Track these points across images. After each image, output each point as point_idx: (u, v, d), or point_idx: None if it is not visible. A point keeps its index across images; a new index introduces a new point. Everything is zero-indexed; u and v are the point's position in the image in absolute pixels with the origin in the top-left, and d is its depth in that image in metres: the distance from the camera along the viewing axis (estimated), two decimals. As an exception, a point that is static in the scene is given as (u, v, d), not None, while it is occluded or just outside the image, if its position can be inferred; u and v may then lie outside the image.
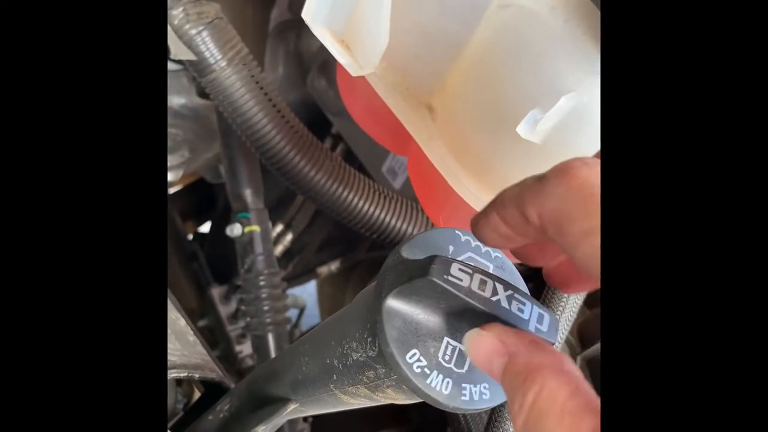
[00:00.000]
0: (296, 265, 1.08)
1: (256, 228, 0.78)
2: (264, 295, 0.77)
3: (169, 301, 0.56)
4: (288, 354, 0.42)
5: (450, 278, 0.26)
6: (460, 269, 0.27)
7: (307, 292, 1.46)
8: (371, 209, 0.69)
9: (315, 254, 1.09)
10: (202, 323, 1.13)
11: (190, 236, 1.41)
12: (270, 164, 0.66)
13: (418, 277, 0.27)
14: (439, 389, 0.28)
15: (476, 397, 0.28)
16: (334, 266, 1.05)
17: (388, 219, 0.67)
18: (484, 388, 0.28)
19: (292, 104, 0.95)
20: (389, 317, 0.28)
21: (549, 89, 0.37)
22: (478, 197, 0.41)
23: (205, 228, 1.44)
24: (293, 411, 0.42)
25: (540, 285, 0.45)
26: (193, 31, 0.59)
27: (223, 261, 1.17)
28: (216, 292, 1.11)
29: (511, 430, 0.47)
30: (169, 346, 0.49)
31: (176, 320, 0.54)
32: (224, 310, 1.09)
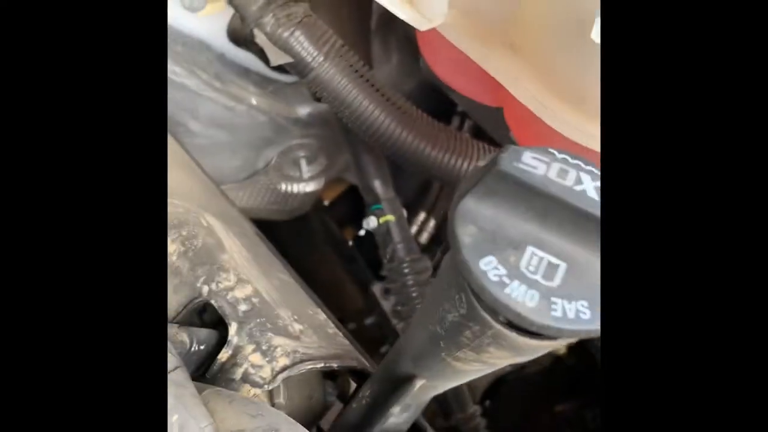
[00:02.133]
0: (445, 250, 1.07)
1: (390, 217, 0.78)
2: (410, 282, 0.77)
3: (308, 297, 0.58)
4: (405, 330, 0.41)
5: (521, 166, 0.23)
6: (533, 157, 0.23)
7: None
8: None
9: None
10: (369, 321, 1.16)
11: (350, 242, 1.47)
12: (386, 149, 0.65)
13: (487, 171, 0.23)
14: (522, 301, 0.24)
15: (571, 315, 0.24)
16: (483, 245, 1.02)
17: None
18: (583, 306, 0.24)
19: (412, 91, 0.94)
20: (461, 223, 0.24)
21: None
22: (578, 129, 0.36)
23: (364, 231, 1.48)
24: (423, 387, 0.40)
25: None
26: (286, 34, 0.60)
27: (380, 258, 1.19)
28: (377, 289, 1.13)
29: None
30: (306, 339, 0.50)
31: (314, 315, 0.55)
32: (387, 305, 1.11)
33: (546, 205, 0.23)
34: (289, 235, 1.12)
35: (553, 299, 0.24)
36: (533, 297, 0.24)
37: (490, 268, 0.24)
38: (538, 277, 0.24)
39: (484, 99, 0.48)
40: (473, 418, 0.75)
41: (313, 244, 1.28)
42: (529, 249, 0.24)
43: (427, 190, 1.06)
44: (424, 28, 0.38)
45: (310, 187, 1.06)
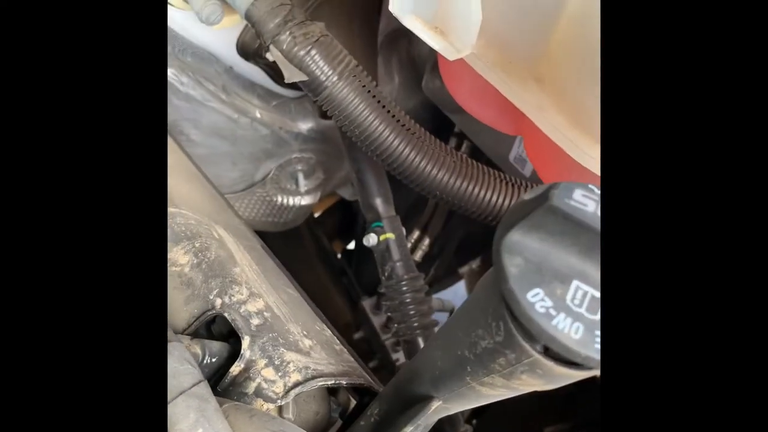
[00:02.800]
0: (438, 268, 1.08)
1: (390, 235, 0.78)
2: (408, 300, 0.77)
3: (314, 312, 0.58)
4: (424, 351, 0.42)
5: (572, 203, 0.24)
6: (584, 194, 0.24)
7: (459, 294, 1.45)
8: (502, 201, 0.66)
9: (455, 255, 1.08)
10: (358, 335, 1.16)
11: (339, 255, 1.47)
12: (392, 169, 0.66)
13: (538, 206, 0.24)
14: (568, 332, 0.25)
15: None
16: (475, 264, 1.03)
17: None
18: None
19: (413, 110, 0.96)
20: (509, 255, 0.25)
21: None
22: (600, 162, 0.37)
23: (353, 245, 1.49)
24: (438, 409, 0.41)
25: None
26: (302, 52, 0.61)
27: (371, 274, 1.20)
28: (367, 303, 1.14)
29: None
30: (315, 355, 0.50)
31: (321, 330, 0.56)
32: (377, 321, 1.12)
33: (592, 240, 0.24)
34: (279, 248, 1.13)
35: (597, 332, 0.25)
36: (578, 329, 0.25)
37: (537, 299, 0.25)
38: (582, 310, 0.25)
39: (503, 127, 0.49)
40: (465, 438, 0.76)
41: (304, 256, 1.29)
42: (575, 282, 0.25)
43: (421, 209, 1.07)
44: (453, 58, 0.39)
45: (305, 201, 1.06)
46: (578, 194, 0.24)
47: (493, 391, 0.34)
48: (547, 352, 0.27)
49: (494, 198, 0.66)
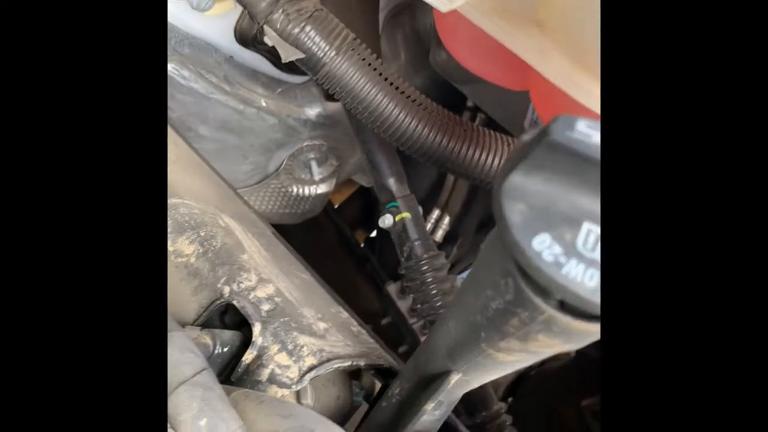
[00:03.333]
0: (460, 247, 1.05)
1: (406, 215, 0.76)
2: (429, 279, 0.75)
3: (330, 296, 0.56)
4: (438, 324, 0.39)
5: (574, 135, 0.21)
6: (587, 125, 0.22)
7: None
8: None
9: (477, 233, 1.05)
10: (385, 321, 1.15)
11: (362, 245, 1.46)
12: (401, 144, 0.64)
13: (538, 144, 0.22)
14: (581, 280, 0.22)
15: None
16: (499, 240, 1.01)
17: None
18: None
19: (422, 87, 0.93)
20: (509, 201, 0.23)
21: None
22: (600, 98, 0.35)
23: (375, 233, 1.47)
24: (457, 383, 0.39)
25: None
26: (297, 29, 0.59)
27: (394, 258, 1.18)
28: (392, 289, 1.12)
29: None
30: (331, 338, 0.48)
31: (337, 313, 0.54)
32: (403, 305, 1.10)
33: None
34: (301, 240, 1.11)
35: None
36: (592, 276, 0.22)
37: (543, 247, 0.22)
38: (595, 255, 0.22)
39: (509, 83, 0.47)
40: (498, 416, 0.73)
41: (326, 247, 1.27)
42: (585, 224, 0.23)
43: (440, 188, 1.05)
44: (446, 10, 0.36)
45: (321, 189, 1.05)
46: (581, 126, 0.22)
47: (512, 356, 0.31)
48: (563, 306, 0.24)
49: (509, 165, 0.63)
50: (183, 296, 0.47)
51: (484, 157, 0.63)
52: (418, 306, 0.77)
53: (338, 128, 0.98)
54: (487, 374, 0.37)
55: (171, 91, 0.83)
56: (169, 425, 0.30)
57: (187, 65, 0.78)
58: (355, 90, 0.61)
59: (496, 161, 0.63)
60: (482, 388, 0.76)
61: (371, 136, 0.77)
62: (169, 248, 0.49)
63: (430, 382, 0.41)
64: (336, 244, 1.31)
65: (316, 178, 1.03)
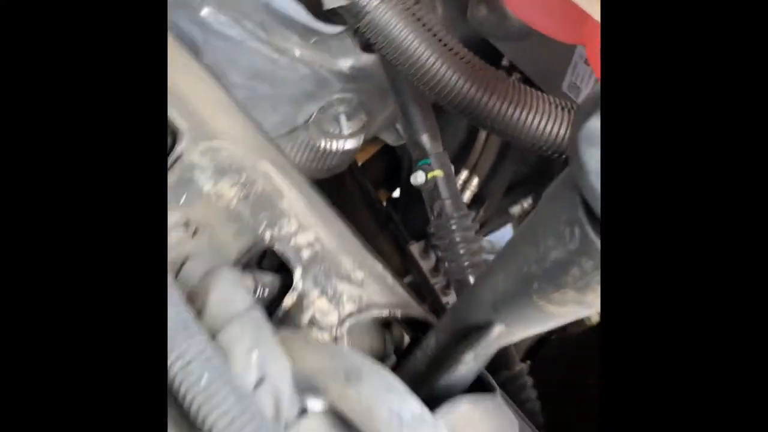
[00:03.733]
0: (487, 209, 1.05)
1: (438, 172, 0.76)
2: (458, 239, 0.75)
3: (365, 249, 0.57)
4: (483, 277, 0.39)
5: None
6: None
7: (508, 238, 1.42)
8: (558, 129, 0.63)
9: (505, 196, 1.04)
10: (407, 280, 1.15)
11: (384, 203, 1.45)
12: (440, 98, 0.63)
13: None
14: None
15: None
16: (526, 203, 1.00)
17: None
18: None
19: (457, 44, 0.91)
20: (588, 147, 0.23)
21: None
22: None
23: (398, 194, 1.47)
24: (501, 335, 0.39)
25: None
26: (341, -25, 0.58)
27: (417, 218, 1.18)
28: (415, 248, 1.12)
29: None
30: (369, 287, 0.49)
31: (373, 265, 0.54)
32: (425, 265, 1.10)
33: None
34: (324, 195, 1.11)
35: None
36: None
37: None
38: None
39: (564, 35, 0.46)
40: (521, 376, 0.74)
41: (349, 204, 1.27)
42: None
43: (469, 149, 1.04)
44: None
45: (349, 145, 1.04)
46: None
47: (561, 308, 0.31)
48: None
49: (550, 127, 0.62)
50: (224, 239, 0.48)
51: (524, 115, 0.63)
52: (446, 265, 0.77)
53: (369, 82, 0.96)
54: (532, 327, 0.37)
55: (205, 36, 0.82)
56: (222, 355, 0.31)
57: (226, 10, 0.77)
58: (397, 40, 0.60)
59: (537, 120, 0.62)
60: (505, 348, 0.77)
61: (407, 89, 0.76)
62: (211, 190, 0.49)
63: (470, 333, 0.41)
64: (359, 202, 1.31)
65: (345, 132, 1.02)
